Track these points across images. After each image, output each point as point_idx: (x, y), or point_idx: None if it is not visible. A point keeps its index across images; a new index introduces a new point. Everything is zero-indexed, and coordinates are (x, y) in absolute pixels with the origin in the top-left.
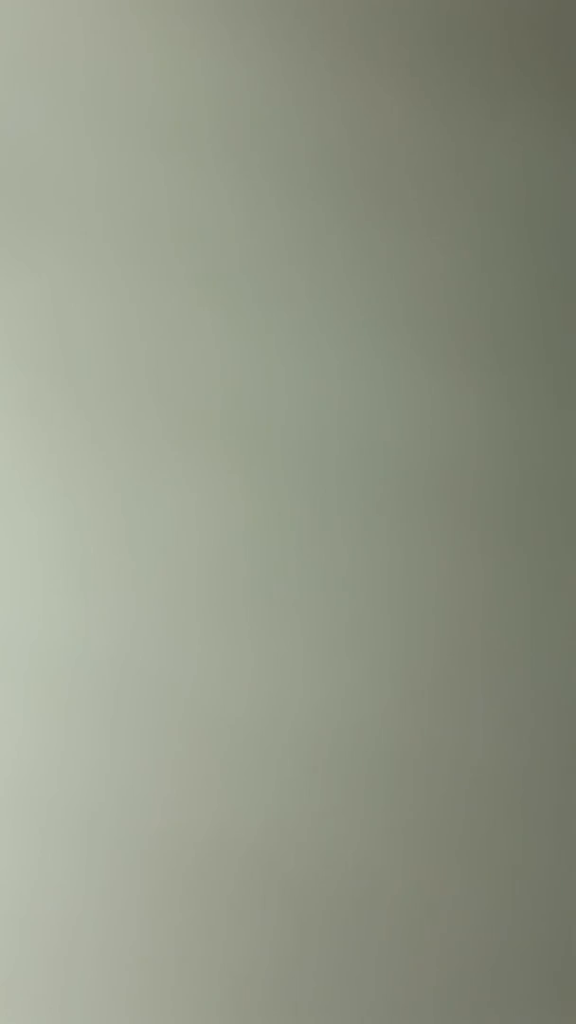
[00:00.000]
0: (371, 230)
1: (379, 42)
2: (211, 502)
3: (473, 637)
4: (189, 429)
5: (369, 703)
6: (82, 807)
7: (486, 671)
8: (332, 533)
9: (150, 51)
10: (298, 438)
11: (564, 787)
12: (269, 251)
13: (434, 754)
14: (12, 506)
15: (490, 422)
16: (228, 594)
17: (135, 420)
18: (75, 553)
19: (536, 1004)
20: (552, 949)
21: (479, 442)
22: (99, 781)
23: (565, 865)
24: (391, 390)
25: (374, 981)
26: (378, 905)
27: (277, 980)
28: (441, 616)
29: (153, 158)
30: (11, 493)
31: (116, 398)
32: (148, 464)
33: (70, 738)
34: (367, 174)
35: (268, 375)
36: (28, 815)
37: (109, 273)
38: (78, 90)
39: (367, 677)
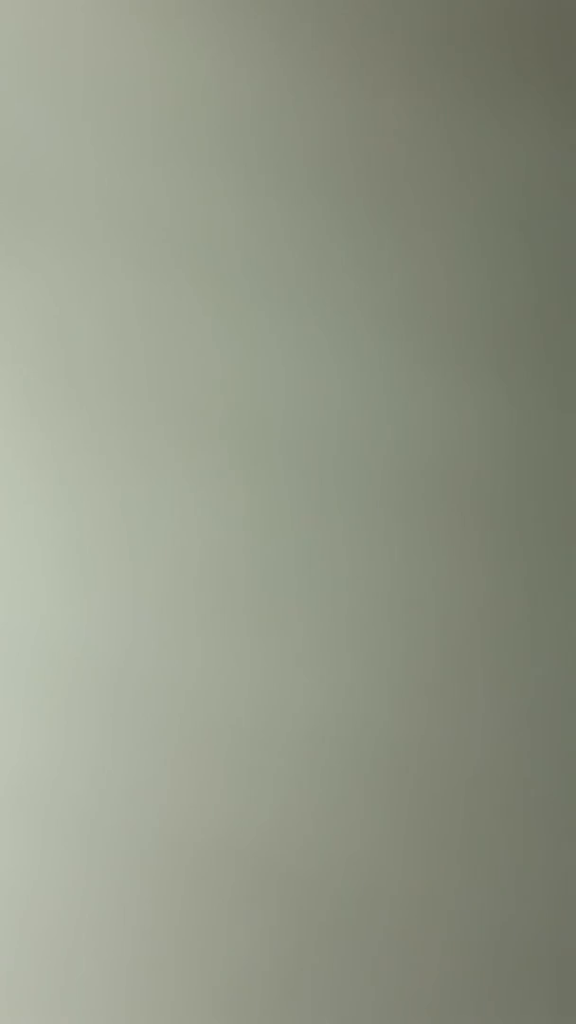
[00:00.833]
0: (371, 230)
1: (379, 42)
2: (211, 502)
3: (473, 637)
4: (189, 429)
5: (369, 703)
6: (82, 807)
7: (486, 671)
8: (332, 533)
9: (150, 51)
10: (298, 438)
11: (564, 787)
12: (269, 251)
13: (434, 754)
14: (12, 506)
15: (490, 422)
16: (228, 594)
17: (135, 420)
18: (75, 553)
19: (536, 1004)
20: (552, 949)
21: (479, 442)
22: (99, 781)
23: (565, 865)
24: (391, 390)
25: (374, 981)
26: (378, 905)
27: (277, 980)
28: (441, 616)
29: (153, 158)
30: (11, 493)
31: (116, 398)
32: (148, 464)
33: (70, 738)
34: (367, 174)
35: (268, 375)
36: (28, 815)
37: (109, 273)
38: (78, 90)
39: (367, 677)
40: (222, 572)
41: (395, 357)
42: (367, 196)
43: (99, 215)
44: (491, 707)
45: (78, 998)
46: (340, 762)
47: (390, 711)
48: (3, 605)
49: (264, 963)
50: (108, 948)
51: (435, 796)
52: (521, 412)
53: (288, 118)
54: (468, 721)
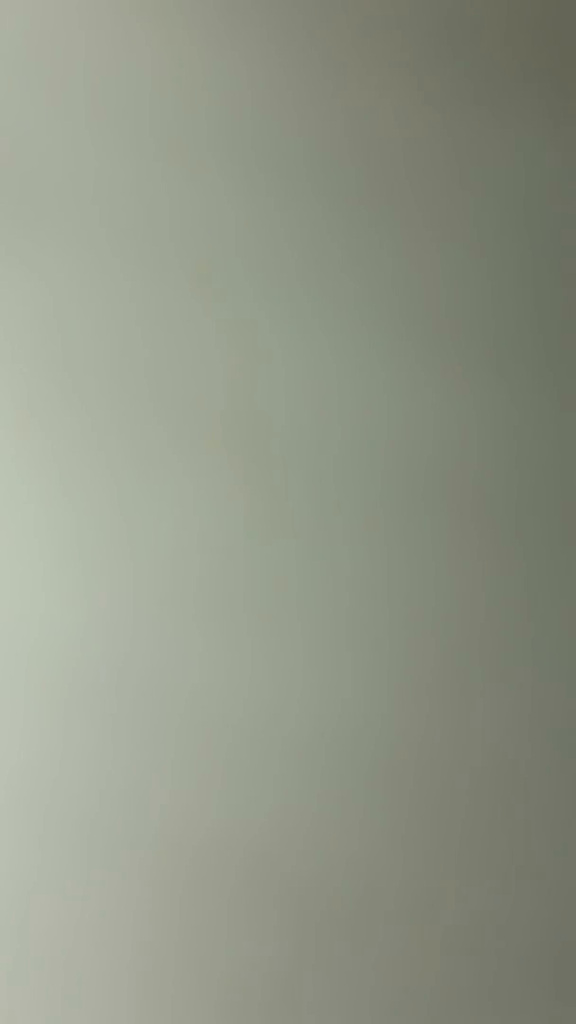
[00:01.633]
0: (371, 230)
1: (379, 42)
2: (211, 502)
3: (473, 637)
4: (189, 429)
5: (369, 703)
6: (82, 807)
7: (486, 671)
8: (332, 533)
9: (150, 51)
10: (298, 438)
11: (564, 787)
12: (268, 251)
13: (434, 754)
14: (12, 506)
15: (490, 422)
16: (228, 594)
17: (135, 420)
18: (75, 553)
19: (536, 1004)
20: (552, 949)
21: (479, 442)
22: (99, 781)
23: (565, 864)
24: (391, 390)
25: (374, 981)
26: (378, 905)
27: (277, 980)
28: (441, 616)
29: (153, 158)
30: (11, 492)
31: (116, 398)
32: (148, 464)
33: (70, 738)
34: (367, 174)
35: (268, 375)
36: (28, 815)
37: (109, 273)
38: (78, 90)
39: (367, 677)
40: (222, 572)
41: (395, 357)
42: (367, 196)
43: (99, 215)
44: (491, 707)
45: (78, 998)
46: (340, 762)
47: (390, 711)
48: (3, 605)
49: (264, 963)
50: (108, 948)
51: (435, 796)
52: (521, 412)
53: (288, 118)
54: (468, 721)
